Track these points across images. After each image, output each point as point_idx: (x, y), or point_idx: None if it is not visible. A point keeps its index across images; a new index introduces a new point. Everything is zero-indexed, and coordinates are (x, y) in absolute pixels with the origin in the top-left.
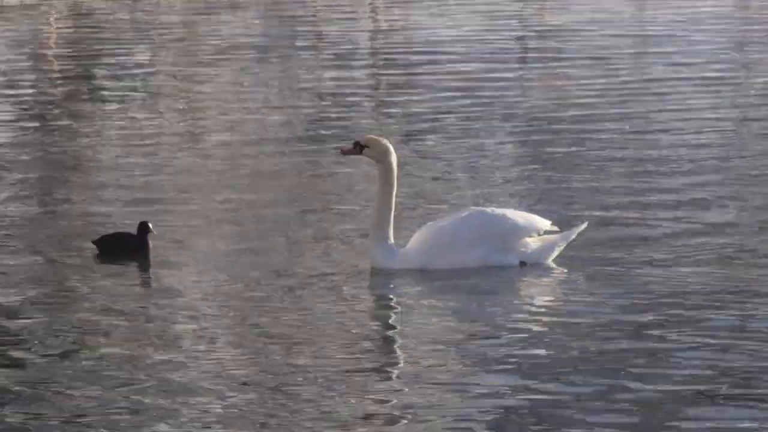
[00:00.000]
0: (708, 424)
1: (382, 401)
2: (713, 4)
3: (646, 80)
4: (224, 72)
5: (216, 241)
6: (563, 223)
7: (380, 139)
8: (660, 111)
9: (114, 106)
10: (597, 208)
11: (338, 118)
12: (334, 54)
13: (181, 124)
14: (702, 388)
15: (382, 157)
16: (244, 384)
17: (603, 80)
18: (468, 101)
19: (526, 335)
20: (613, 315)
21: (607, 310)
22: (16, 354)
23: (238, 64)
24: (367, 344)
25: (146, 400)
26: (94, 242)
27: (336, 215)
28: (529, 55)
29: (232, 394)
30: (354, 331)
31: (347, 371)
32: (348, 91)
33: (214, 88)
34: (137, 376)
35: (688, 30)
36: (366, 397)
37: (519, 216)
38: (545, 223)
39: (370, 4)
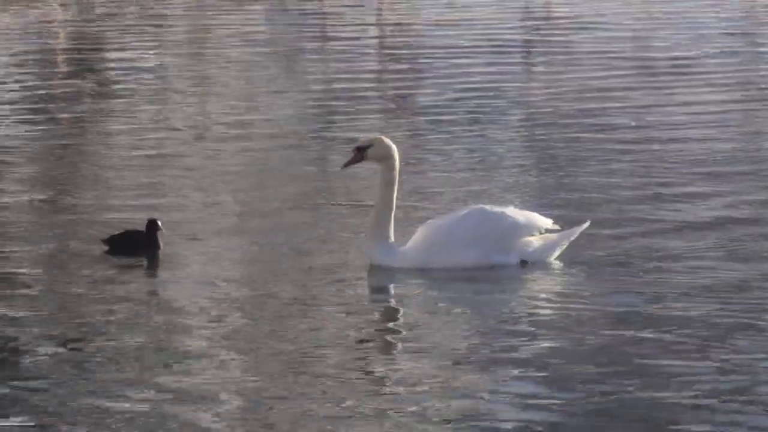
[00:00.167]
0: (711, 424)
1: (381, 401)
2: None
3: (652, 74)
4: (231, 66)
5: (223, 239)
6: (566, 222)
7: (383, 138)
8: (665, 106)
9: (120, 102)
10: (600, 206)
11: (345, 113)
12: (341, 49)
13: (189, 119)
14: (707, 387)
15: (385, 157)
16: (244, 384)
17: (608, 74)
18: (473, 95)
19: (526, 334)
20: (615, 313)
21: (609, 309)
22: (21, 352)
23: (245, 59)
24: (366, 344)
25: (147, 400)
26: (103, 241)
27: (343, 212)
28: (535, 48)
29: (232, 394)
30: (352, 333)
31: (347, 371)
32: (354, 85)
33: (220, 82)
34: (139, 376)
35: (695, 23)
36: (366, 396)
37: (519, 214)
38: (546, 222)
39: None
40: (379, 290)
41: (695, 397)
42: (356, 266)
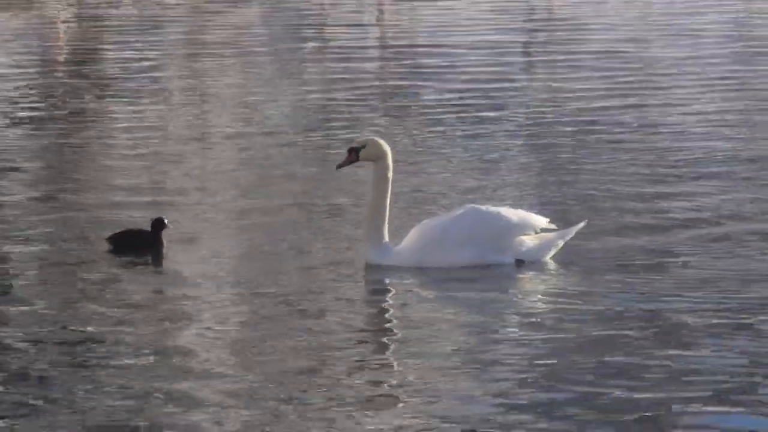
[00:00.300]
0: (711, 424)
1: (376, 400)
2: None
3: (653, 74)
4: (231, 66)
5: (223, 238)
6: (564, 221)
7: (377, 138)
8: (665, 105)
9: (120, 102)
10: (597, 206)
11: (344, 113)
12: (340, 48)
13: (189, 119)
14: (707, 386)
15: (378, 157)
16: (244, 384)
17: (609, 74)
18: (473, 95)
19: (521, 333)
20: (610, 313)
21: (604, 308)
22: (21, 352)
23: (244, 58)
24: (362, 343)
25: (147, 400)
26: (107, 239)
27: (343, 211)
28: (536, 49)
29: (232, 394)
30: (350, 334)
31: (344, 370)
32: (354, 85)
33: (220, 82)
34: (139, 376)
35: (697, 23)
36: (362, 395)
37: (513, 214)
38: (542, 221)
39: None
40: (376, 290)
41: (695, 396)
42: (355, 266)
